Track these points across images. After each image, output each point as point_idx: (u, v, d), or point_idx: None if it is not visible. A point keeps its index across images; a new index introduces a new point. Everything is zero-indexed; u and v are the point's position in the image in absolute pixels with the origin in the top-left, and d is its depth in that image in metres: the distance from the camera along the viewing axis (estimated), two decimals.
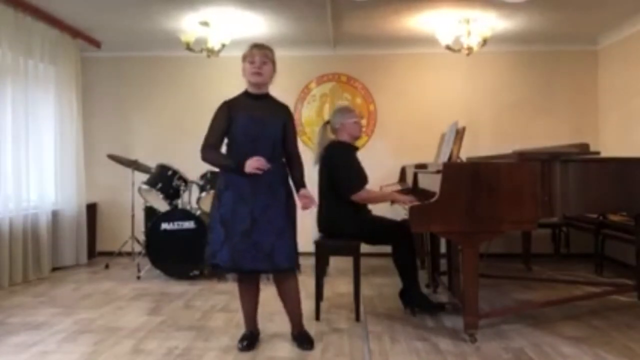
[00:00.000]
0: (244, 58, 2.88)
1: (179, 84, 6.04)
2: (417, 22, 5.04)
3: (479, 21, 4.90)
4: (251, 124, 2.83)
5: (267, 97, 2.94)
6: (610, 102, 5.61)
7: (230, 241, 2.76)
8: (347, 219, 3.47)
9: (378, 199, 3.64)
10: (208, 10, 4.68)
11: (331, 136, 3.70)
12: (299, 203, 2.91)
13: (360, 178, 3.51)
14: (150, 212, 5.12)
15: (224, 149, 2.93)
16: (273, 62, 2.90)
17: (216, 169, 4.58)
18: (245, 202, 2.78)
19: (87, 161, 5.67)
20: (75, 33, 5.41)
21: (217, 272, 2.88)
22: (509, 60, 5.92)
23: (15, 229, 4.52)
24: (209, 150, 2.86)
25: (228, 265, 2.77)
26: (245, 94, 2.94)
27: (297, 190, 2.93)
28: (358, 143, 3.89)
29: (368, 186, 3.55)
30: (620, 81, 5.37)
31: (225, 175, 2.86)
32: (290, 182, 2.96)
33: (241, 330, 3.03)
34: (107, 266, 5.26)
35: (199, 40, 4.98)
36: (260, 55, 2.84)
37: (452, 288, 3.71)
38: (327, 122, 3.76)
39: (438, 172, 3.01)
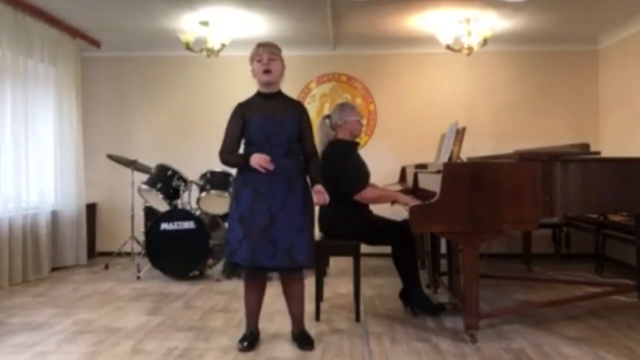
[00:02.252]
0: (252, 59, 2.89)
1: (179, 84, 6.03)
2: (417, 22, 5.04)
3: (479, 21, 4.90)
4: (265, 122, 2.84)
5: (279, 95, 2.95)
6: (610, 102, 5.61)
7: (249, 238, 2.76)
8: (348, 219, 3.46)
9: (381, 198, 3.60)
10: (208, 10, 4.67)
11: (331, 132, 3.67)
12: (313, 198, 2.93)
13: (363, 177, 3.50)
14: (150, 212, 5.11)
15: (241, 150, 2.95)
16: (281, 59, 2.91)
17: (218, 169, 4.63)
18: (263, 198, 2.79)
19: (87, 161, 5.67)
20: (75, 33, 5.41)
21: (236, 271, 2.88)
22: (509, 60, 5.91)
23: (15, 229, 4.51)
24: (225, 155, 2.89)
25: (247, 262, 2.77)
26: (258, 94, 2.95)
27: (312, 186, 2.94)
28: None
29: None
30: (621, 81, 5.37)
31: (243, 174, 2.87)
32: (308, 179, 2.97)
33: (241, 330, 3.02)
34: (106, 266, 5.26)
35: (198, 40, 4.98)
36: (267, 53, 2.85)
37: (452, 288, 3.71)
38: (327, 116, 3.73)
39: (438, 172, 3.00)
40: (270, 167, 2.74)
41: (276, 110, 2.87)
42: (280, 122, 2.85)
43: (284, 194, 2.80)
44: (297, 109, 2.96)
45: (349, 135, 3.61)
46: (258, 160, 2.75)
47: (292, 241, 2.77)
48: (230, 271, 2.91)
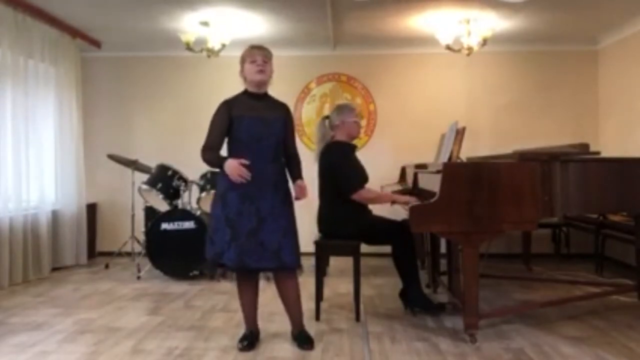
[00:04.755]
0: (244, 59, 2.91)
1: (179, 84, 6.03)
2: (417, 22, 5.04)
3: (479, 21, 4.90)
4: (256, 124, 2.84)
5: (266, 97, 2.97)
6: (610, 102, 5.61)
7: (237, 241, 2.77)
8: (347, 219, 3.46)
9: (379, 199, 3.63)
10: (208, 10, 4.68)
11: (330, 132, 3.68)
12: (293, 193, 2.96)
13: (360, 177, 3.51)
14: (150, 212, 5.12)
15: (224, 149, 2.93)
16: (271, 63, 2.93)
17: (217, 169, 4.63)
18: (252, 201, 2.80)
19: (87, 161, 5.67)
20: (75, 33, 5.41)
21: (220, 273, 2.89)
22: (509, 60, 5.91)
23: (15, 229, 4.52)
24: (208, 152, 2.87)
25: (235, 264, 2.79)
26: (246, 93, 2.95)
27: (294, 181, 2.96)
28: (358, 143, 3.87)
29: (368, 186, 3.55)
30: (621, 81, 5.37)
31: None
32: (290, 182, 2.98)
33: (241, 330, 3.03)
34: (107, 266, 5.26)
35: (199, 40, 4.98)
36: (261, 55, 2.87)
37: (452, 288, 3.71)
38: (326, 117, 3.74)
39: (438, 172, 3.01)
40: (247, 176, 2.73)
41: (264, 111, 2.89)
42: (268, 123, 2.86)
43: (272, 197, 2.83)
44: (283, 111, 2.98)
45: (346, 137, 3.61)
46: (234, 169, 2.73)
47: (280, 243, 2.80)
48: (213, 271, 2.91)
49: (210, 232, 2.89)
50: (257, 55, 2.86)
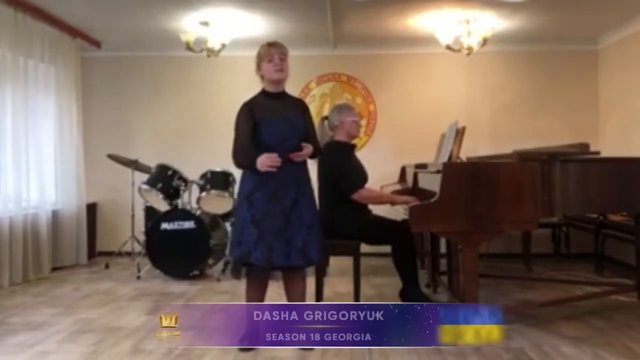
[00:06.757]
0: (261, 58, 2.90)
1: (179, 84, 6.03)
2: (417, 22, 5.04)
3: (479, 21, 4.90)
4: (279, 124, 2.85)
5: (284, 95, 2.98)
6: (610, 102, 5.61)
7: (264, 240, 2.78)
8: (347, 219, 3.46)
9: (379, 199, 3.63)
10: (208, 10, 4.68)
11: (329, 133, 3.68)
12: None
13: (360, 176, 3.51)
14: (150, 212, 5.11)
15: None
16: (288, 60, 2.93)
17: (218, 169, 4.65)
18: (277, 201, 2.81)
19: (88, 161, 5.66)
20: (75, 33, 5.41)
21: (245, 273, 2.91)
22: (509, 60, 5.91)
23: (15, 229, 4.51)
24: (241, 155, 2.87)
25: (263, 263, 2.81)
26: (264, 93, 2.95)
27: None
28: (358, 143, 3.87)
29: (368, 186, 3.55)
30: (621, 81, 5.37)
31: (255, 177, 2.86)
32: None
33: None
34: (107, 266, 5.26)
35: (199, 40, 4.98)
36: (278, 53, 2.87)
37: (452, 288, 3.71)
38: (325, 118, 3.74)
39: (438, 172, 3.01)
40: (278, 163, 2.74)
41: (285, 110, 2.89)
42: (291, 122, 2.87)
43: (295, 195, 2.85)
44: (301, 107, 2.99)
45: (346, 137, 3.61)
46: (264, 161, 2.73)
47: (304, 240, 2.82)
48: (238, 271, 2.93)
49: (236, 234, 2.89)
50: (275, 53, 2.86)
